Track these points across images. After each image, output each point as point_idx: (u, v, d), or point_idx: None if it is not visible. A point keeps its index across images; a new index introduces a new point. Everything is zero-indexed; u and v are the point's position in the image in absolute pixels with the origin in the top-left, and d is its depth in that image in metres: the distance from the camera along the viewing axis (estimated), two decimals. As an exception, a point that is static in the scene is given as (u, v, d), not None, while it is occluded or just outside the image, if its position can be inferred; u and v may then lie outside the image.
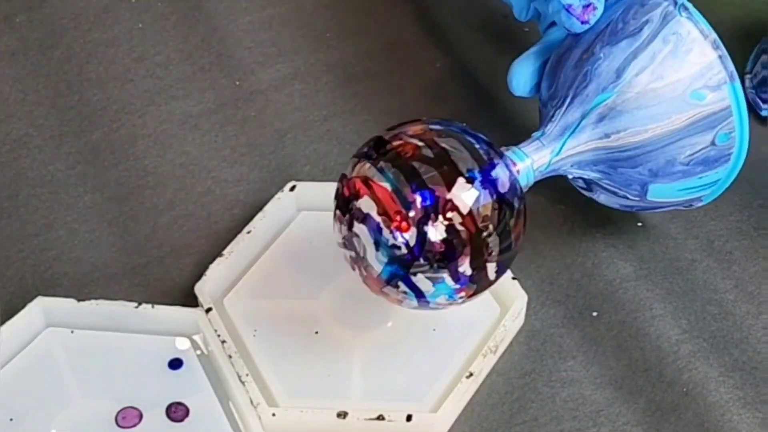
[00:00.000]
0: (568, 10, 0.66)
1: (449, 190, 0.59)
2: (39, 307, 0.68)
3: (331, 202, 0.63)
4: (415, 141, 0.61)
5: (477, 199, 0.60)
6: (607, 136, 0.65)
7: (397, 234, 0.59)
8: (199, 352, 0.68)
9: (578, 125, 0.65)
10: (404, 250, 0.59)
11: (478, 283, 0.61)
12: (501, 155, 0.62)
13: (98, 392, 0.66)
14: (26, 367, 0.67)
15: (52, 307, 0.68)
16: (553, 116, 0.66)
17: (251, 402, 0.65)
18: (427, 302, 0.62)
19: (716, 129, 0.65)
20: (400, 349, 0.68)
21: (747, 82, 0.80)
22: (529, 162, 0.65)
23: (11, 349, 0.67)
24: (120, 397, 0.66)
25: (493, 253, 0.61)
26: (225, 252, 0.71)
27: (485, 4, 0.84)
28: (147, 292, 0.70)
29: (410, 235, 0.59)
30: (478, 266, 0.61)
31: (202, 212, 0.75)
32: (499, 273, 0.62)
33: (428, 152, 0.60)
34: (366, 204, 0.60)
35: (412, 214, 0.59)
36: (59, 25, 0.83)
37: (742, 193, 0.75)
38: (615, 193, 0.68)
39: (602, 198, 0.70)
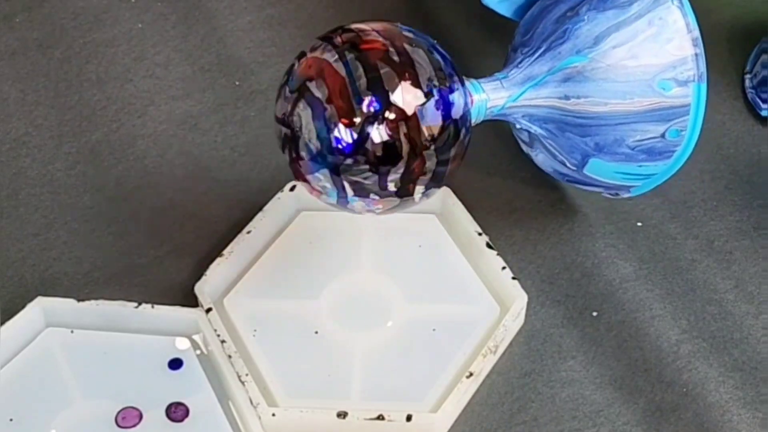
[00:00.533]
0: None
1: (403, 98, 0.59)
2: (39, 307, 0.68)
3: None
4: (384, 41, 0.60)
5: (428, 116, 0.60)
6: (567, 97, 0.65)
7: (340, 126, 0.59)
8: (199, 352, 0.68)
9: (543, 79, 0.65)
10: (341, 145, 0.59)
11: (400, 199, 0.61)
12: (463, 82, 0.62)
13: (98, 392, 0.66)
14: (26, 367, 0.67)
15: (52, 307, 0.68)
16: (520, 63, 0.66)
17: (251, 402, 0.65)
18: (346, 202, 0.61)
19: (670, 123, 0.65)
20: (400, 349, 0.68)
21: (747, 82, 0.80)
22: (484, 97, 0.64)
23: (11, 349, 0.67)
24: (120, 397, 0.66)
25: (426, 175, 0.60)
26: (225, 252, 0.71)
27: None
28: (147, 292, 0.70)
29: (352, 131, 0.59)
30: (407, 182, 0.60)
31: (202, 212, 0.75)
32: (425, 195, 0.62)
33: (394, 56, 0.60)
34: (317, 87, 0.59)
35: (360, 110, 0.59)
36: (59, 25, 0.83)
37: (742, 193, 0.75)
38: (554, 156, 0.68)
39: (540, 158, 0.69)
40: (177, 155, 0.77)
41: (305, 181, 0.61)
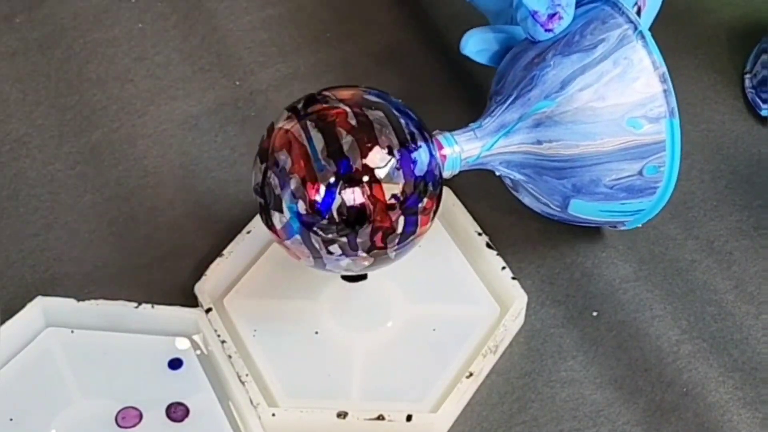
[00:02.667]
0: (533, 17, 0.66)
1: (365, 162, 0.60)
2: (39, 307, 0.68)
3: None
4: (344, 107, 0.62)
5: (389, 175, 0.61)
6: (539, 142, 0.65)
7: (306, 193, 0.60)
8: (199, 352, 0.68)
9: (514, 126, 0.66)
10: (307, 211, 0.60)
11: (375, 257, 0.62)
12: (427, 139, 0.63)
13: (98, 392, 0.66)
14: (26, 367, 0.67)
15: (52, 307, 0.68)
16: (493, 111, 0.66)
17: (251, 402, 0.65)
18: (324, 264, 0.62)
19: (646, 160, 0.65)
20: (400, 349, 0.68)
21: (747, 82, 0.80)
22: (457, 149, 0.65)
23: (11, 349, 0.67)
24: (120, 397, 0.66)
25: (396, 231, 0.61)
26: (225, 252, 0.71)
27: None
28: (147, 292, 0.70)
29: (318, 197, 0.60)
30: (377, 240, 0.61)
31: (202, 212, 0.75)
32: (399, 253, 0.63)
33: (353, 120, 0.61)
34: (283, 158, 0.61)
35: (324, 177, 0.60)
36: (59, 25, 0.83)
37: (742, 193, 0.75)
38: (537, 199, 0.68)
39: (526, 200, 0.70)
40: (177, 155, 0.77)
41: (284, 246, 0.63)
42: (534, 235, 0.73)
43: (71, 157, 0.77)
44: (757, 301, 0.71)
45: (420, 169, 0.62)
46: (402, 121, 0.62)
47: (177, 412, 0.66)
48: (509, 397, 0.68)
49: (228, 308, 0.69)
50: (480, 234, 0.71)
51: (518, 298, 0.69)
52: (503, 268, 0.70)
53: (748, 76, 0.80)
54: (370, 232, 0.61)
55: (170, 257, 0.73)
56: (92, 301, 0.68)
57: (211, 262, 0.70)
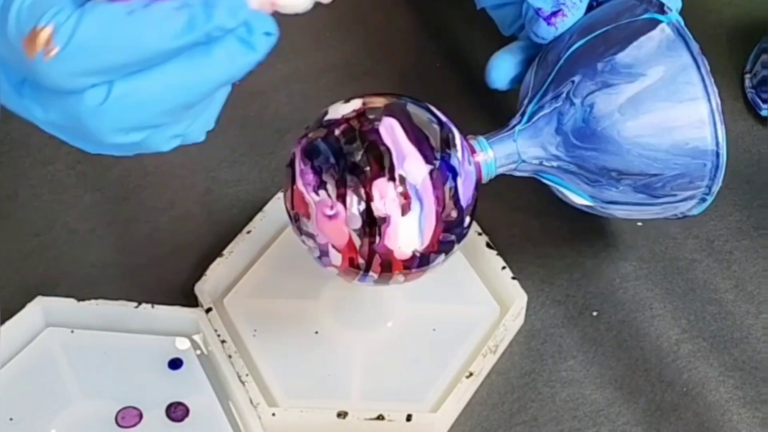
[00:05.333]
0: (537, 13, 0.66)
1: (395, 244, 0.59)
2: (39, 307, 0.68)
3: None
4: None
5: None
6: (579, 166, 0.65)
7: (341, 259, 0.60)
8: (199, 352, 0.68)
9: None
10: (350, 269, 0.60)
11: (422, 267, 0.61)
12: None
13: (98, 392, 0.66)
14: (26, 367, 0.67)
15: (52, 307, 0.68)
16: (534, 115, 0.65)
17: (251, 402, 0.65)
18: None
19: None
20: (400, 349, 0.68)
21: (747, 82, 0.80)
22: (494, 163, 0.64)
23: (11, 349, 0.67)
24: (120, 397, 0.66)
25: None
26: (225, 252, 0.71)
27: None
28: (147, 292, 0.70)
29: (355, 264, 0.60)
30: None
31: (202, 212, 0.75)
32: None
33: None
34: (311, 227, 0.60)
35: (357, 245, 0.59)
36: (59, 25, 0.83)
37: (742, 193, 0.75)
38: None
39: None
40: (177, 155, 0.77)
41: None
42: (534, 235, 0.73)
43: (71, 157, 0.77)
44: (757, 300, 0.71)
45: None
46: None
47: (177, 412, 0.66)
48: (509, 397, 0.68)
49: (228, 308, 0.69)
50: (480, 234, 0.71)
51: (518, 298, 0.69)
52: (503, 268, 0.70)
53: (748, 76, 0.80)
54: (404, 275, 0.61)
55: (170, 257, 0.73)
56: (92, 301, 0.68)
57: (211, 262, 0.70)
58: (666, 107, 0.62)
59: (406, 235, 0.58)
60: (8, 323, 0.67)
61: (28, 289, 0.70)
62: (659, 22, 0.64)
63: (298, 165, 0.59)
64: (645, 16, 0.64)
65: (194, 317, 0.68)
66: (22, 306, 0.68)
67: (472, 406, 0.67)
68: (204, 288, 0.69)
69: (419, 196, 0.58)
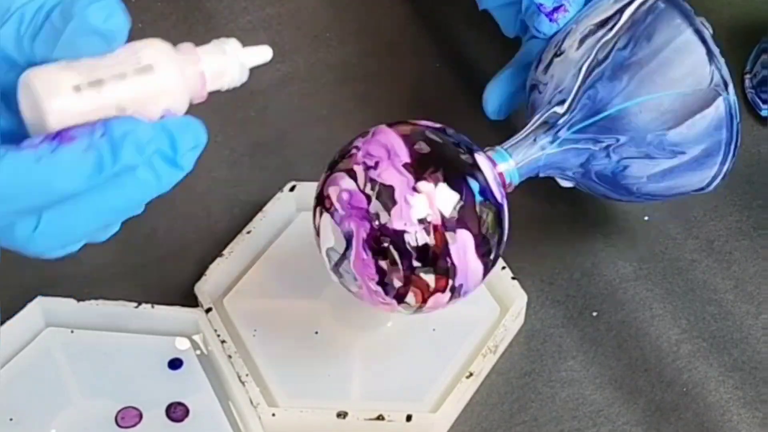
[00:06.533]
0: (539, 8, 0.66)
1: (431, 295, 0.60)
2: (39, 307, 0.68)
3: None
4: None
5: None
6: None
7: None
8: (199, 352, 0.68)
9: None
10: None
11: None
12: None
13: (98, 392, 0.66)
14: (26, 367, 0.67)
15: (52, 307, 0.68)
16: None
17: (251, 402, 0.65)
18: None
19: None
20: (400, 349, 0.68)
21: (747, 82, 0.80)
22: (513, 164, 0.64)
23: (11, 349, 0.67)
24: (120, 397, 0.66)
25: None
26: (225, 252, 0.71)
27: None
28: (147, 292, 0.70)
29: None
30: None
31: (202, 212, 0.75)
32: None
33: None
34: (354, 288, 0.61)
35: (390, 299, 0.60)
36: (59, 25, 0.83)
37: (742, 193, 0.75)
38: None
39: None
40: (177, 155, 0.77)
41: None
42: (534, 235, 0.73)
43: (71, 157, 0.77)
44: (756, 300, 0.71)
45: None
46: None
47: (177, 412, 0.66)
48: (509, 397, 0.68)
49: (228, 308, 0.69)
50: (480, 234, 0.71)
51: (518, 298, 0.69)
52: (503, 268, 0.70)
53: (748, 76, 0.80)
54: (447, 300, 0.61)
55: (170, 257, 0.72)
56: (92, 301, 0.68)
57: (211, 262, 0.70)
58: (686, 176, 0.66)
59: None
60: (8, 323, 0.67)
61: (28, 289, 0.70)
62: (718, 95, 0.64)
63: (360, 250, 0.59)
64: (710, 86, 0.64)
65: (194, 317, 0.68)
66: (22, 306, 0.68)
67: (472, 406, 0.67)
68: (204, 288, 0.69)
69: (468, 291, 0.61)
